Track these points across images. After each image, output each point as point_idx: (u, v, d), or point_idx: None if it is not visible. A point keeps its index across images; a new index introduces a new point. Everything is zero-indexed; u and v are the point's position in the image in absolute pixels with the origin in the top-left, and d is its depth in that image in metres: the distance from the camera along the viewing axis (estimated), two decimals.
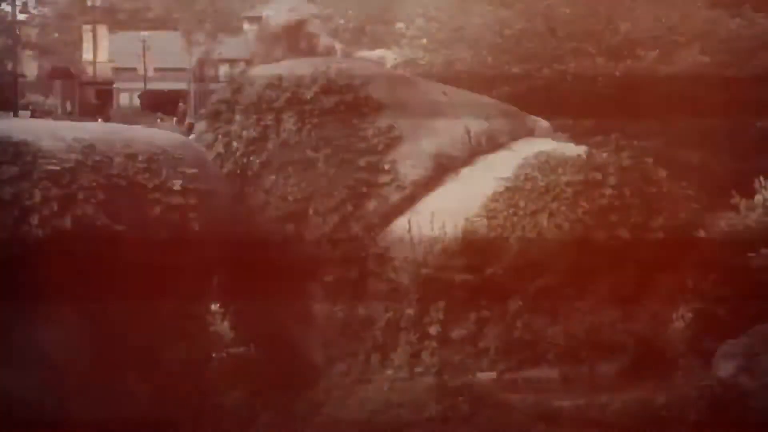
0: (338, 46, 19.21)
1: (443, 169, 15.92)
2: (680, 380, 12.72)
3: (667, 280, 13.91)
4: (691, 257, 14.13)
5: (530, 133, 17.17)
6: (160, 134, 14.84)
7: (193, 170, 14.01)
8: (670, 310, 13.69)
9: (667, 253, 14.07)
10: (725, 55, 19.37)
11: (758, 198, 15.60)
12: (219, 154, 15.92)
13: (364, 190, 15.51)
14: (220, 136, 16.14)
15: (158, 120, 40.28)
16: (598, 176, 14.58)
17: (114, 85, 60.37)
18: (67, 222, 12.44)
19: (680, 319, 13.57)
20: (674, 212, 14.49)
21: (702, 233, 14.35)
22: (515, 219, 14.47)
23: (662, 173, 15.06)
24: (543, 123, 17.55)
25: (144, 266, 13.06)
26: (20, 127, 13.68)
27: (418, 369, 13.92)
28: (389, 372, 14.10)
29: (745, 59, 20.01)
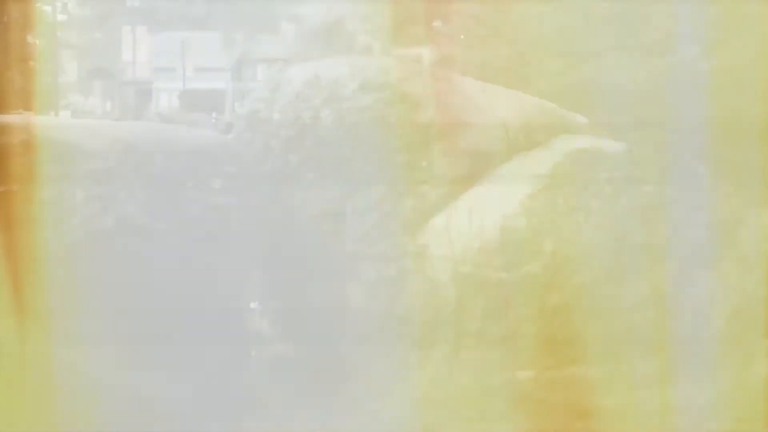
0: (376, 44, 19.23)
1: (481, 166, 15.89)
2: (722, 378, 12.64)
3: (708, 277, 13.82)
4: (733, 254, 14.03)
5: (568, 129, 17.07)
6: (199, 134, 14.98)
7: (233, 169, 14.12)
8: (711, 307, 13.60)
9: (709, 250, 13.98)
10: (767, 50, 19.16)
11: None
12: (258, 153, 16.00)
13: (402, 187, 15.53)
14: (258, 135, 16.22)
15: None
16: (638, 173, 14.51)
17: (153, 85, 61.00)
18: (109, 221, 12.60)
19: (722, 316, 13.48)
20: (715, 208, 14.40)
21: (744, 229, 14.24)
22: (554, 216, 14.43)
23: (703, 169, 14.95)
24: (581, 119, 17.45)
25: (184, 265, 13.19)
26: (61, 126, 13.85)
27: (457, 367, 13.92)
28: (427, 370, 14.12)
29: None
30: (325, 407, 14.30)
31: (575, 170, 15.12)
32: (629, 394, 13.00)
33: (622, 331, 13.67)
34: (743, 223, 14.34)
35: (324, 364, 15.14)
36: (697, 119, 16.66)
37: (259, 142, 16.34)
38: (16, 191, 12.40)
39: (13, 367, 12.25)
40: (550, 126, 17.14)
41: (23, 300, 12.21)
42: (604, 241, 14.10)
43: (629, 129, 17.10)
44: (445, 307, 14.49)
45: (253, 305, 15.96)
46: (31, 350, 12.26)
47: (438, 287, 14.80)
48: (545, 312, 14.10)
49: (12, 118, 15.31)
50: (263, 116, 16.56)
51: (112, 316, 12.70)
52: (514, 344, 14.16)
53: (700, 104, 17.29)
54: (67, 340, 12.32)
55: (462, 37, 23.85)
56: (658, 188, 14.38)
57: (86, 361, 12.40)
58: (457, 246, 14.95)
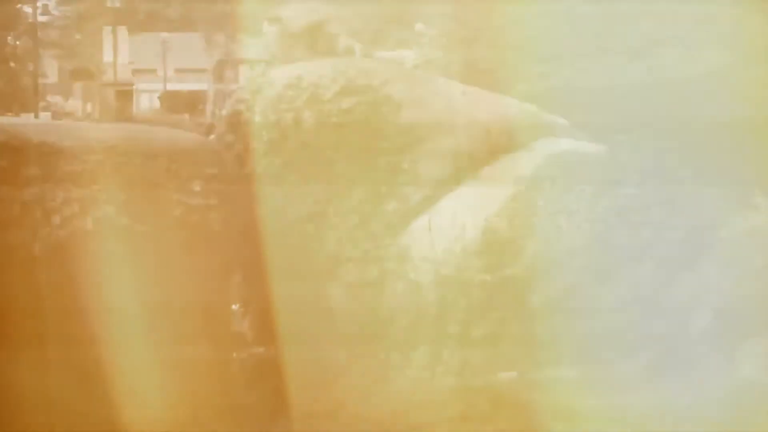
0: (358, 46, 19.19)
1: (463, 168, 15.89)
2: (703, 379, 12.66)
3: (689, 279, 13.84)
4: (713, 256, 14.06)
5: (550, 132, 17.10)
6: (180, 135, 14.91)
7: (213, 171, 14.05)
8: (692, 308, 13.63)
9: (689, 251, 14.00)
10: (750, 53, 19.24)
11: None
12: (239, 155, 15.94)
13: (384, 190, 15.50)
14: (240, 137, 16.16)
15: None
16: (619, 175, 14.53)
17: (134, 87, 60.42)
18: (89, 223, 12.50)
19: (703, 317, 13.50)
20: (696, 211, 14.42)
21: (724, 232, 14.27)
22: (535, 218, 14.43)
23: (684, 172, 14.98)
24: (563, 122, 17.48)
25: (164, 267, 13.09)
26: (41, 128, 13.77)
27: (439, 368, 13.90)
28: (409, 371, 14.08)
29: None
30: (307, 409, 14.23)
31: (556, 172, 15.18)
32: (611, 396, 13.01)
33: (604, 332, 13.68)
34: (725, 225, 14.40)
35: (305, 366, 15.08)
36: (678, 122, 16.71)
37: (241, 144, 16.31)
38: None
39: None
40: (532, 128, 17.19)
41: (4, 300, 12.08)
42: (586, 242, 14.12)
43: (610, 131, 17.14)
44: (427, 308, 14.48)
45: (234, 306, 15.88)
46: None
47: (420, 289, 14.80)
48: (527, 314, 14.10)
49: None
50: (245, 118, 16.52)
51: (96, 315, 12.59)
52: (496, 346, 14.16)
53: (680, 107, 17.33)
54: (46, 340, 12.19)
55: (444, 40, 23.76)
56: (639, 190, 14.43)
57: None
58: (439, 248, 14.96)
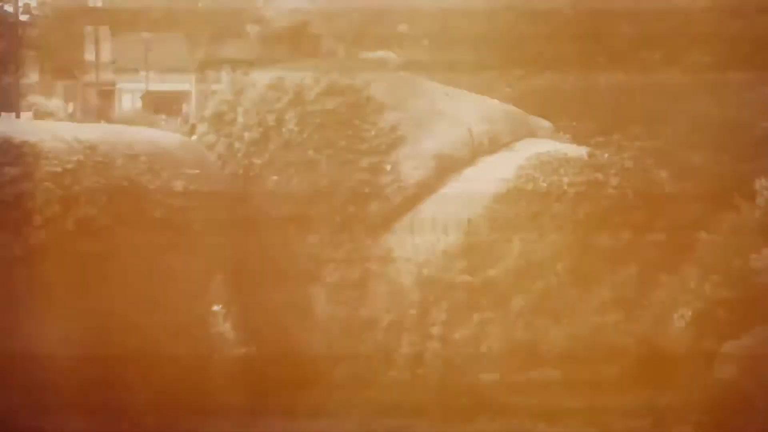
0: (341, 47, 19.21)
1: (445, 170, 15.92)
2: (682, 382, 12.71)
3: (668, 282, 13.90)
4: (693, 258, 14.12)
5: (532, 134, 17.16)
6: (161, 135, 14.88)
7: (195, 171, 14.02)
8: (671, 311, 13.68)
9: (669, 254, 14.06)
10: (727, 56, 19.36)
11: (760, 199, 15.58)
12: (221, 156, 15.92)
13: (367, 191, 15.51)
14: (222, 138, 16.14)
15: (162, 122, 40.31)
16: (600, 177, 14.58)
17: (116, 87, 60.31)
18: (69, 223, 12.45)
19: (682, 320, 13.55)
20: (676, 213, 14.49)
21: (703, 234, 14.34)
22: (517, 220, 14.47)
23: (664, 174, 15.05)
24: (545, 124, 17.54)
25: (146, 267, 13.05)
26: (22, 128, 13.71)
27: (421, 370, 13.92)
28: (391, 373, 14.10)
29: (748, 60, 20.01)
30: (289, 410, 14.23)
31: (538, 174, 15.22)
32: (593, 398, 13.05)
33: (586, 334, 13.72)
34: (705, 226, 14.47)
35: (287, 367, 15.08)
36: (660, 123, 16.80)
37: (223, 144, 16.29)
38: None
39: None
40: (514, 130, 17.24)
41: None
42: (567, 244, 14.16)
43: (592, 133, 17.19)
44: (408, 310, 14.50)
45: (215, 307, 15.85)
46: None
47: (402, 290, 14.83)
48: (509, 315, 14.14)
49: None
50: (227, 119, 16.51)
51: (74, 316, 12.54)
52: (477, 348, 14.19)
53: (662, 109, 17.42)
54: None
55: (427, 41, 23.79)
56: (620, 192, 14.48)
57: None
58: (421, 249, 14.98)
